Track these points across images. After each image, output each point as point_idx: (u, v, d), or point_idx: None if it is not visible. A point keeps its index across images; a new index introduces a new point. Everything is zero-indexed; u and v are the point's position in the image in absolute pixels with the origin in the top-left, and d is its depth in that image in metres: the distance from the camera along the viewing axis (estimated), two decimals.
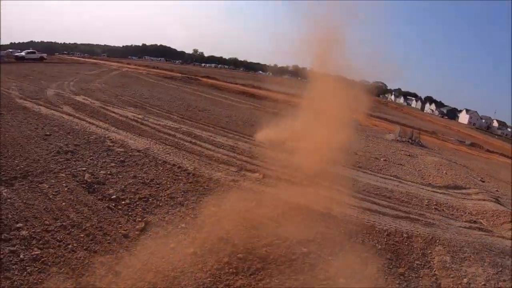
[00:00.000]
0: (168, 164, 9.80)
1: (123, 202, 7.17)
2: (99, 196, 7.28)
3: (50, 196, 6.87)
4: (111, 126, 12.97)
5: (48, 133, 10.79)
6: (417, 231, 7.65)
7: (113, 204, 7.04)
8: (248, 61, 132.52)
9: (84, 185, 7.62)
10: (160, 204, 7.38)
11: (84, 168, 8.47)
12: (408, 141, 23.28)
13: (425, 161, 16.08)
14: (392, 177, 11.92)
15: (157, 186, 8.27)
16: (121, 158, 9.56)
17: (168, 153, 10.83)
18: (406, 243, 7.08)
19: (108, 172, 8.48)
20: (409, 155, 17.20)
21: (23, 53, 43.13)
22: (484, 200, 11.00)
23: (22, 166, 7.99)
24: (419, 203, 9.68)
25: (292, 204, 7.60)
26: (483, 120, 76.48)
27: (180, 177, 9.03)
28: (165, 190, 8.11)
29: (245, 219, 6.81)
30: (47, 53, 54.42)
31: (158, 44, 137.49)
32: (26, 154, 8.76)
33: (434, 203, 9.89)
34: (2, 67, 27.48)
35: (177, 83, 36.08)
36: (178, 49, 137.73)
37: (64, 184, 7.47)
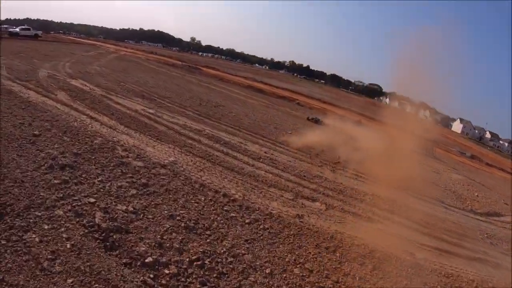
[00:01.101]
0: (209, 190, 7.01)
1: (166, 272, 4.33)
2: (125, 259, 4.40)
3: (45, 264, 3.92)
4: (119, 123, 9.90)
5: (37, 132, 7.66)
6: (494, 278, 6.90)
7: (151, 276, 4.20)
8: (245, 53, 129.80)
9: (97, 235, 4.69)
10: (224, 271, 4.64)
11: (92, 200, 5.49)
12: (423, 153, 22.22)
13: (452, 180, 15.84)
14: (435, 201, 11.09)
15: (208, 233, 5.47)
16: (142, 180, 6.62)
17: (201, 170, 8.02)
18: None
19: (131, 208, 5.54)
20: (435, 172, 16.66)
21: (17, 29, 38.10)
22: None
23: None
24: (474, 236, 9.00)
25: (378, 254, 6.26)
26: (476, 131, 76.49)
27: (231, 214, 6.32)
28: (221, 241, 5.35)
29: (339, 284, 5.16)
30: (42, 31, 48.85)
31: (156, 29, 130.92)
32: (4, 170, 5.69)
33: (486, 235, 9.34)
34: None
35: (180, 71, 32.66)
36: (176, 36, 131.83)
37: (64, 235, 4.51)
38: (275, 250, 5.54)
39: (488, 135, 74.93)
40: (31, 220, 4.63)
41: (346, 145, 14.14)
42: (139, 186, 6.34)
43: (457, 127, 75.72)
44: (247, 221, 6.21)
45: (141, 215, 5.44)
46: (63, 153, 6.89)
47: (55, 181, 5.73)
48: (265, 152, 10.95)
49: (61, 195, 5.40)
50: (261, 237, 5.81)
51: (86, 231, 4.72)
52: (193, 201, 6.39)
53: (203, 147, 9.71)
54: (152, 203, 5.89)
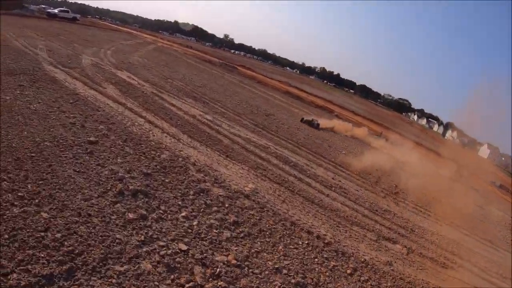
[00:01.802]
0: (302, 231, 5.82)
1: None
2: None
3: None
4: (181, 132, 8.69)
5: (93, 139, 6.47)
6: None
7: None
8: (277, 55, 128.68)
9: None
10: None
11: (183, 246, 4.24)
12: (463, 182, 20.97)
13: (495, 216, 15.55)
14: (488, 242, 10.41)
15: None
16: (231, 216, 5.32)
17: (283, 201, 6.73)
18: None
19: (232, 259, 4.28)
20: (479, 206, 15.62)
21: (55, 11, 37.47)
22: None
23: (57, 235, 3.74)
24: None
25: None
26: (503, 158, 72.78)
27: (332, 262, 5.30)
28: None
29: None
30: (79, 14, 48.94)
31: (190, 23, 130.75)
32: (62, 193, 4.46)
33: None
34: (32, 22, 23.68)
35: (218, 69, 31.50)
36: (209, 31, 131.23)
37: None
38: None
39: None
40: (113, 280, 3.38)
41: (399, 170, 13.95)
42: (230, 225, 5.03)
43: (484, 152, 71.84)
44: (348, 271, 5.28)
45: (246, 269, 4.22)
46: (131, 172, 5.64)
47: (130, 216, 4.46)
48: (332, 178, 9.77)
49: (142, 237, 4.13)
50: None
51: None
52: (291, 247, 5.16)
53: (274, 169, 8.40)
54: (252, 250, 4.62)
